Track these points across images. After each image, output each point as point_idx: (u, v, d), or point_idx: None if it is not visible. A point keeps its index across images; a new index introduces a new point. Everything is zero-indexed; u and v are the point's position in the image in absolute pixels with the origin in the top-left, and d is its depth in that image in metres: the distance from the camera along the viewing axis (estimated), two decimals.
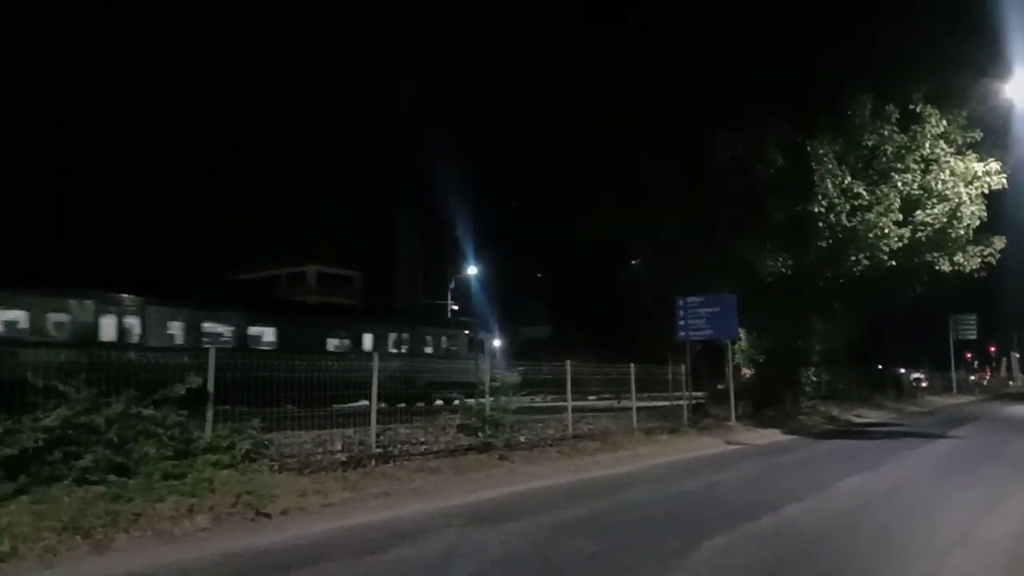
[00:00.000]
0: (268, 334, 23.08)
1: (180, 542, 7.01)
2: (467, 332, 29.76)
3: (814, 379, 29.63)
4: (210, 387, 9.58)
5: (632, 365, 18.14)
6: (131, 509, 7.31)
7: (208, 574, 6.18)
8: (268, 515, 8.05)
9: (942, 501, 9.60)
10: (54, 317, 18.01)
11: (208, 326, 21.06)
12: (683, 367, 21.40)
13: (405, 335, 26.72)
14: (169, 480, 8.14)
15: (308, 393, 11.18)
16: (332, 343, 24.28)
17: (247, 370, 10.54)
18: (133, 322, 19.29)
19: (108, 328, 18.72)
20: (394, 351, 25.44)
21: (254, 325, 22.52)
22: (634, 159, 22.40)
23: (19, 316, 17.35)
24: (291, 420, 11.19)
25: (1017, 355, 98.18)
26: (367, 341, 25.00)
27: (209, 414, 9.49)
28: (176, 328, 20.37)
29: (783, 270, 21.28)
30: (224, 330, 21.51)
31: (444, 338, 28.66)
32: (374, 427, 11.62)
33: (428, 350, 27.42)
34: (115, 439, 8.16)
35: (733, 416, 20.97)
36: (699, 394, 22.91)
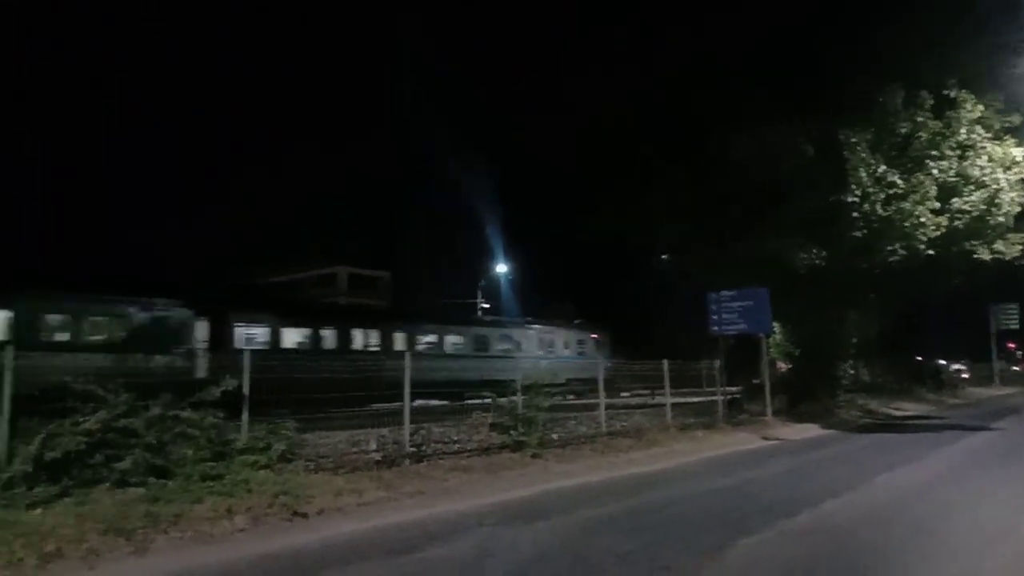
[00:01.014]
0: (399, 341, 26.06)
1: (219, 543, 7.12)
2: (593, 336, 34.91)
3: (851, 372, 29.17)
4: (245, 389, 9.72)
5: (665, 361, 18.02)
6: (170, 510, 7.45)
7: (246, 574, 6.27)
8: (304, 515, 8.14)
9: (983, 496, 9.41)
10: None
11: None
12: (717, 362, 21.22)
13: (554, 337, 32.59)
14: (207, 481, 8.29)
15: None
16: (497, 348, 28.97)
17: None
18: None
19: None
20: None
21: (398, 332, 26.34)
22: (643, 157, 22.34)
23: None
24: (331, 420, 11.36)
25: None
26: (533, 344, 31.11)
27: (245, 416, 9.63)
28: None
29: (817, 262, 20.97)
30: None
31: (578, 340, 34.23)
32: (407, 426, 11.70)
33: (566, 352, 32.94)
34: (154, 441, 8.32)
35: (769, 411, 20.73)
36: (734, 389, 22.67)
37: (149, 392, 8.61)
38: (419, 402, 17.25)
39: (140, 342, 18.62)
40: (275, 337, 22.96)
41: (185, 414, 8.70)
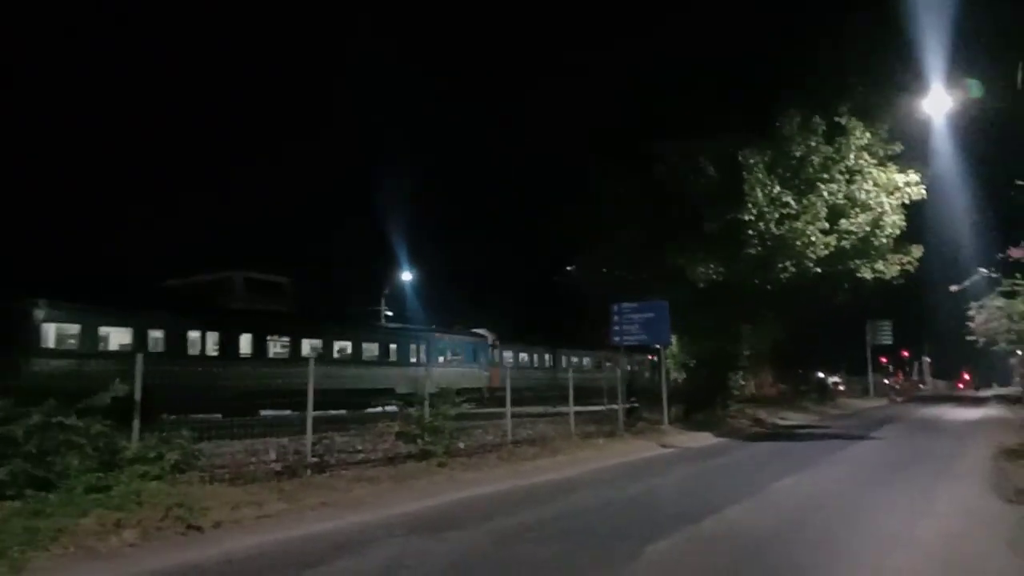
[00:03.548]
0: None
1: (106, 559, 6.64)
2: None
3: (742, 383, 30.30)
4: (137, 395, 9.15)
5: (571, 372, 18.21)
6: (52, 525, 6.89)
7: None
8: (200, 528, 7.70)
9: (875, 501, 9.86)
10: None
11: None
12: (618, 372, 21.65)
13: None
14: (93, 494, 7.72)
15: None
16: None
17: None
18: None
19: None
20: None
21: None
22: (584, 169, 22.73)
23: None
24: (220, 429, 10.82)
25: (928, 360, 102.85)
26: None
27: (136, 424, 9.06)
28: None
29: (715, 277, 21.70)
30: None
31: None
32: (310, 436, 11.32)
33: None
34: (34, 451, 7.69)
35: (666, 420, 21.25)
36: (633, 398, 23.16)
37: (30, 398, 7.96)
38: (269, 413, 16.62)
39: None
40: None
41: (70, 421, 8.08)
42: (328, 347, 27.31)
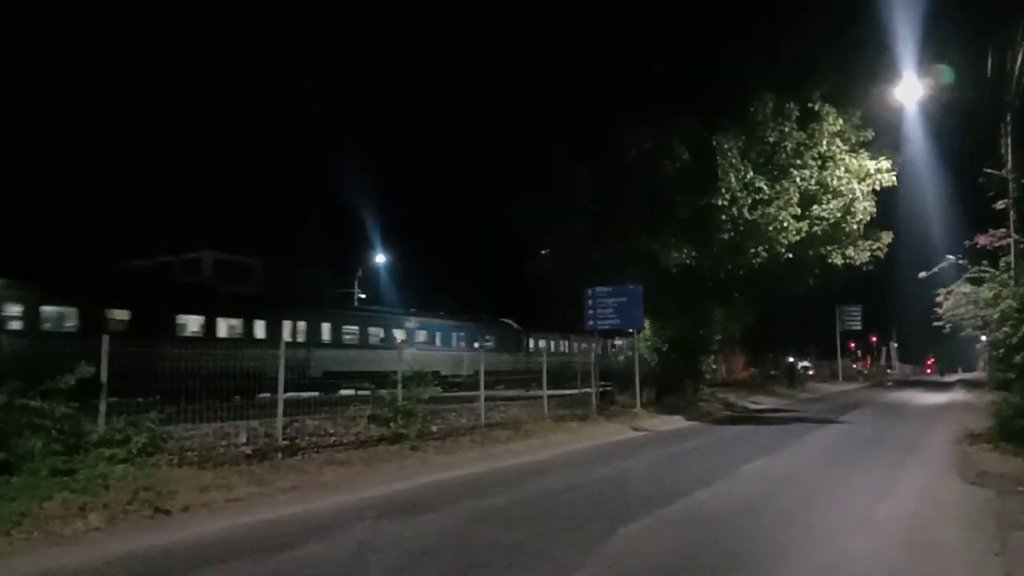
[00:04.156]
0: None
1: (71, 543, 6.53)
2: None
3: (714, 367, 30.59)
4: (103, 377, 8.99)
5: (544, 356, 18.23)
6: (14, 509, 6.78)
7: None
8: (168, 512, 7.62)
9: (841, 484, 10.01)
10: None
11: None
12: (592, 355, 21.72)
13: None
14: (58, 477, 7.59)
15: None
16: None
17: None
18: None
19: None
20: None
21: None
22: (546, 153, 22.51)
23: None
24: (191, 412, 10.67)
25: (896, 345, 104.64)
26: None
27: (102, 406, 8.92)
28: None
29: (687, 261, 21.80)
30: None
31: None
32: (280, 418, 11.23)
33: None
34: None
35: (638, 403, 21.40)
36: (606, 382, 23.29)
37: None
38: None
39: None
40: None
41: (34, 403, 7.92)
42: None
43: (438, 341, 33.81)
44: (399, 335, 31.28)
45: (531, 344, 38.58)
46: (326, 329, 28.61)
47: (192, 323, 23.92)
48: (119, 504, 7.44)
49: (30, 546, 6.39)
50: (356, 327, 30.23)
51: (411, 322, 33.01)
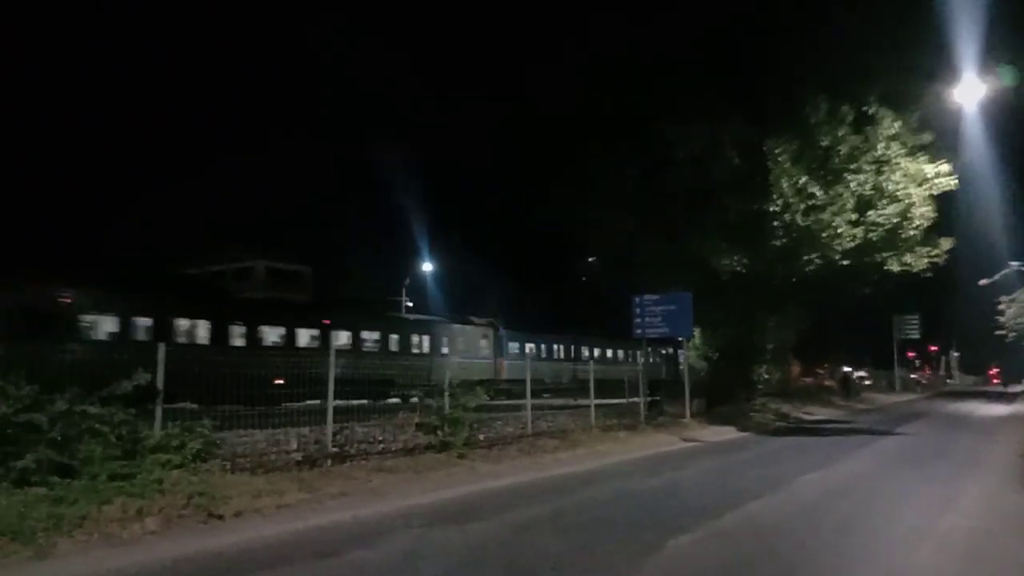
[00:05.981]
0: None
1: (128, 546, 6.69)
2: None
3: (766, 376, 30.03)
4: (160, 384, 9.21)
5: (592, 363, 18.11)
6: (75, 512, 6.95)
7: None
8: (221, 517, 7.74)
9: (900, 497, 9.71)
10: None
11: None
12: (639, 364, 21.51)
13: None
14: (116, 481, 7.77)
15: None
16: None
17: None
18: None
19: None
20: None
21: None
22: (585, 150, 22.31)
23: None
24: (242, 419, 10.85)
25: (956, 354, 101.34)
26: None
27: (158, 412, 9.13)
28: None
29: (738, 268, 21.47)
30: None
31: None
32: (330, 425, 11.34)
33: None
34: (58, 438, 7.77)
35: (688, 413, 21.09)
36: (655, 392, 23.01)
37: (55, 385, 8.03)
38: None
39: None
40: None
41: (93, 409, 8.14)
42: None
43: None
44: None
45: (582, 352, 38.40)
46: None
47: (272, 334, 24.74)
48: (174, 508, 7.59)
49: (91, 548, 6.56)
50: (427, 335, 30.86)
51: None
